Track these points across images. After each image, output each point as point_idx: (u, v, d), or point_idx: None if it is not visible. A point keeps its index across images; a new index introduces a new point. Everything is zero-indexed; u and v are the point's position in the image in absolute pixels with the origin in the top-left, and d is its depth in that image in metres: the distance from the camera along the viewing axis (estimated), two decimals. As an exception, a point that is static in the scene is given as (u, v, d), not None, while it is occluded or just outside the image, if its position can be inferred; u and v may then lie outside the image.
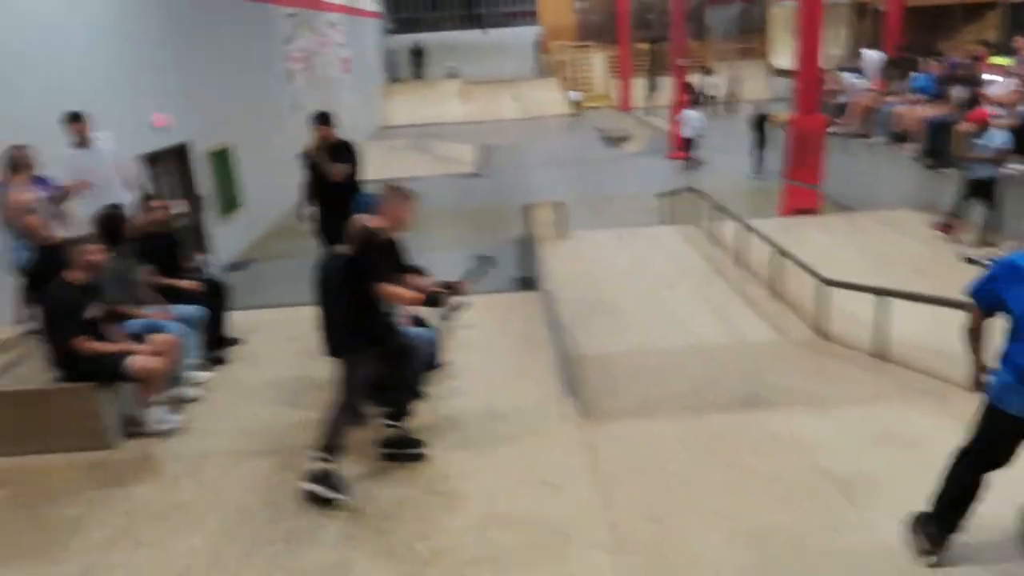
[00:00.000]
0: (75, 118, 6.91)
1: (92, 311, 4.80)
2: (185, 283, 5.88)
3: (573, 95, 32.38)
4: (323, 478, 4.10)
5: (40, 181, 6.31)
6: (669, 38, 26.77)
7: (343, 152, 6.69)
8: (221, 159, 13.01)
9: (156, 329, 5.21)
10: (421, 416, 5.00)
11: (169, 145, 11.04)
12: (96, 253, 4.85)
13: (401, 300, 4.21)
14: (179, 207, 10.67)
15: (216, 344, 6.10)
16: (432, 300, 4.31)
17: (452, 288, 4.44)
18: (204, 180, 12.16)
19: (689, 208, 12.03)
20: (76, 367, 4.72)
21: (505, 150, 24.49)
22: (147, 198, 6.39)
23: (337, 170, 6.56)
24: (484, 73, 34.89)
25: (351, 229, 4.86)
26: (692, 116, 19.72)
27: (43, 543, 3.94)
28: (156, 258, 5.82)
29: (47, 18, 8.46)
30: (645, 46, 32.83)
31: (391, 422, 4.54)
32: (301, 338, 6.15)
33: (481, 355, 5.87)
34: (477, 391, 5.28)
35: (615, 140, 24.90)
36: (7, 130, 6.72)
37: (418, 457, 4.50)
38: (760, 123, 18.48)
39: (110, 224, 5.40)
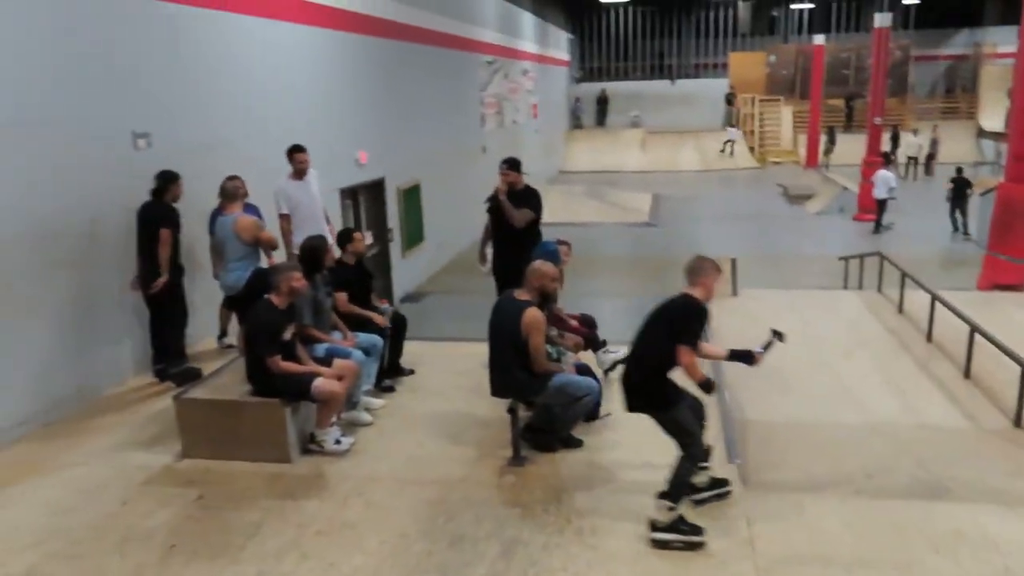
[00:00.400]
0: (300, 149, 7.30)
1: (288, 333, 5.22)
2: (377, 317, 6.21)
3: (731, 132, 31.76)
4: (674, 527, 4.17)
5: (250, 209, 6.95)
6: (864, 95, 25.64)
7: (529, 199, 6.72)
8: (412, 195, 13.78)
9: (338, 354, 5.58)
10: (573, 467, 5.03)
11: (368, 180, 11.84)
12: (299, 280, 5.23)
13: (692, 375, 4.18)
14: (370, 238, 11.45)
15: (392, 373, 6.45)
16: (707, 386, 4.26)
17: (745, 358, 4.46)
18: (394, 214, 12.91)
19: (875, 274, 11.38)
20: (268, 383, 5.12)
21: (681, 201, 24.25)
22: (348, 230, 6.79)
23: (521, 216, 6.61)
24: (668, 123, 34.80)
25: (529, 274, 5.04)
26: (886, 176, 18.63)
27: (224, 544, 4.27)
28: (346, 286, 6.20)
29: (282, 52, 9.33)
30: (838, 102, 31.63)
31: (702, 463, 4.54)
32: (468, 373, 6.40)
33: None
34: (633, 445, 5.20)
35: (797, 197, 23.99)
36: (235, 158, 7.45)
37: (725, 496, 4.57)
38: (962, 188, 17.25)
39: (313, 254, 5.77)
